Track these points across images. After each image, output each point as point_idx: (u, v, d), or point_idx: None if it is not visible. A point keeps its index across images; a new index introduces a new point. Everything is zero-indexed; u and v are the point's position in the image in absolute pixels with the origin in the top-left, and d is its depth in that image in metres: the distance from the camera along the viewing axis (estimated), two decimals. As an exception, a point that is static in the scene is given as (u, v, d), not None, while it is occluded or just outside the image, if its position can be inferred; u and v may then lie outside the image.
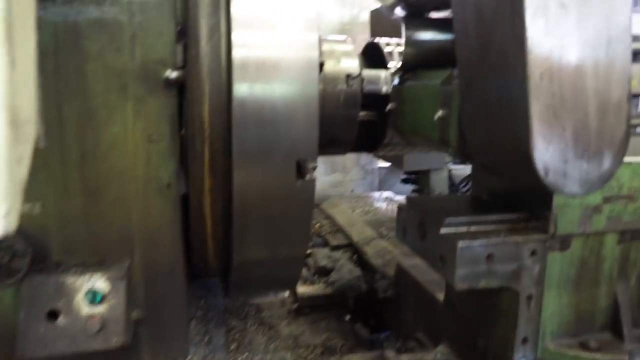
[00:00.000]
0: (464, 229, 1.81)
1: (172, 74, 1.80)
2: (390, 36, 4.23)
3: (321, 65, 2.55)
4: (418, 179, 4.77)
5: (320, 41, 2.59)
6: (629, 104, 1.46)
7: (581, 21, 1.37)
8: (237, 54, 1.74)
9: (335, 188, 5.38)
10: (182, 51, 1.80)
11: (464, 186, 4.69)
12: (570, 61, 1.39)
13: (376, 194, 4.65)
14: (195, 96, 1.84)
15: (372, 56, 3.02)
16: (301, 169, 1.90)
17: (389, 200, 4.44)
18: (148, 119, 1.80)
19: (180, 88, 1.82)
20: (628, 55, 1.42)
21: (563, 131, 1.42)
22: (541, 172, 1.43)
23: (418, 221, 1.99)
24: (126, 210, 1.86)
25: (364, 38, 5.20)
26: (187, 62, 1.81)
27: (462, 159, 1.97)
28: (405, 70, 2.27)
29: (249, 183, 1.87)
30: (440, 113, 1.83)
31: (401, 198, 4.48)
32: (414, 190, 4.81)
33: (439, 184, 4.54)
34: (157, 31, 1.77)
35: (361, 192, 5.18)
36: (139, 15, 1.75)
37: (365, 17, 5.03)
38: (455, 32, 1.66)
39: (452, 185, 4.63)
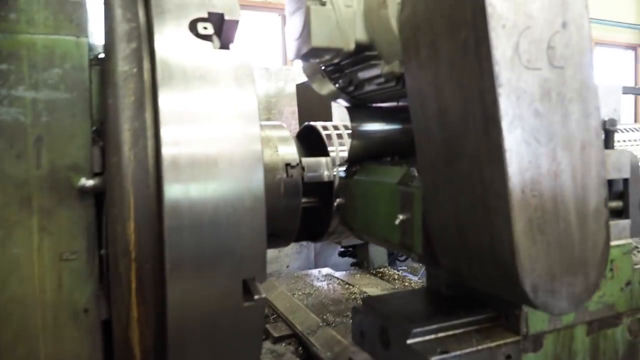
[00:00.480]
0: (432, 336, 1.62)
1: (88, 182, 1.50)
2: (320, 112, 4.14)
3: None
4: (356, 251, 4.58)
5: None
6: (607, 209, 1.36)
7: (555, 128, 1.26)
8: (167, 153, 1.46)
9: (270, 265, 5.05)
10: (99, 155, 1.53)
11: (401, 255, 4.57)
12: (549, 170, 1.26)
13: (315, 272, 4.38)
14: (117, 211, 1.52)
15: (309, 139, 2.86)
16: (249, 288, 1.61)
17: (329, 278, 4.19)
18: (58, 235, 1.50)
19: (98, 196, 1.53)
20: (602, 158, 1.33)
21: (548, 246, 1.27)
22: (530, 294, 1.26)
23: (379, 327, 1.76)
24: (32, 346, 1.49)
25: (291, 111, 5.13)
26: (107, 171, 1.52)
27: (429, 266, 1.79)
28: (352, 162, 2.10)
29: (186, 308, 1.55)
30: (401, 217, 1.65)
31: (342, 275, 4.25)
32: (352, 264, 4.60)
33: (377, 256, 4.38)
34: (68, 133, 1.51)
35: (298, 269, 4.89)
36: (45, 116, 1.49)
37: (292, 89, 4.94)
38: (415, 131, 1.51)
39: (391, 255, 4.49)
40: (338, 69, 1.81)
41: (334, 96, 2.00)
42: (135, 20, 1.68)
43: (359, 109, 2.01)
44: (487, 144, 1.24)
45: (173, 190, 1.48)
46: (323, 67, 1.87)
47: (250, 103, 1.62)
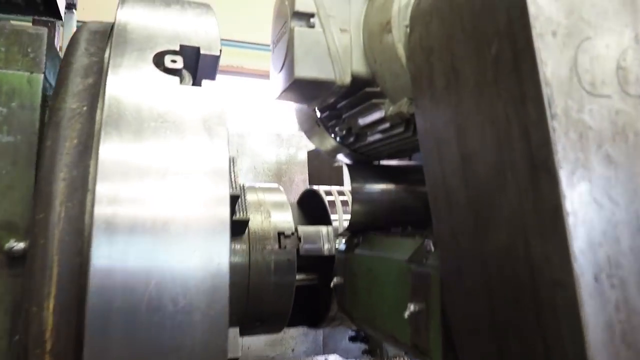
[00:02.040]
0: None
1: (18, 245, 1.18)
2: (330, 178, 3.79)
3: (245, 222, 1.93)
4: (368, 336, 4.00)
5: (244, 190, 2.01)
6: None
7: (638, 182, 0.84)
8: (101, 213, 1.06)
9: (274, 347, 4.49)
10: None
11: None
12: (634, 245, 0.82)
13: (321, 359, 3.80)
14: (35, 285, 1.13)
15: (311, 206, 2.46)
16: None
17: (336, 367, 3.61)
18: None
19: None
20: None
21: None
22: None
23: None
24: None
25: (302, 179, 4.79)
26: (31, 231, 1.16)
27: None
28: (353, 231, 1.68)
29: None
30: (411, 308, 1.20)
31: (351, 364, 3.67)
32: (364, 351, 4.01)
33: (393, 343, 3.79)
34: (4, 184, 1.26)
35: (304, 354, 4.31)
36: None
37: (303, 156, 4.63)
38: (430, 188, 1.09)
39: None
40: (334, 113, 1.43)
41: (335, 151, 1.62)
42: (99, 55, 1.39)
43: (362, 167, 1.61)
44: (536, 205, 0.82)
45: (103, 261, 1.06)
46: (319, 115, 1.50)
47: (219, 156, 1.24)
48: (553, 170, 0.79)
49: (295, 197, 4.35)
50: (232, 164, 1.79)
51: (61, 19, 2.36)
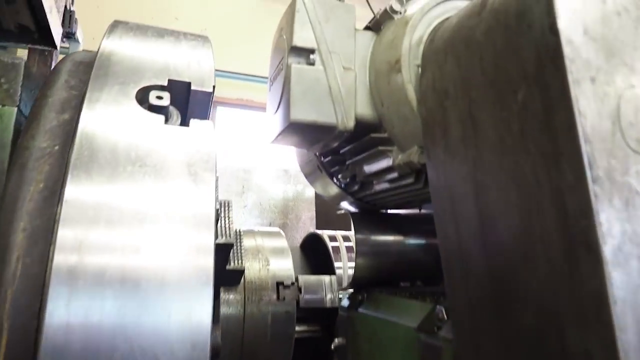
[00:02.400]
0: None
1: None
2: (339, 217, 3.64)
3: (240, 272, 1.79)
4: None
5: (241, 236, 1.87)
6: None
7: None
8: (61, 264, 0.92)
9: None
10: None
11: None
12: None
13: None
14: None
15: (314, 251, 2.31)
16: None
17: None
18: None
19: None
20: None
21: None
22: None
23: None
24: None
25: (310, 216, 4.65)
26: None
27: None
28: (357, 287, 1.52)
29: None
30: (420, 385, 1.03)
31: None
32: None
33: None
34: None
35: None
36: None
37: (311, 193, 4.50)
38: (443, 252, 0.95)
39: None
40: (337, 158, 1.30)
41: (338, 198, 1.48)
42: (80, 88, 1.28)
43: (367, 216, 1.47)
44: (573, 287, 0.67)
45: (59, 319, 0.92)
46: (321, 158, 1.37)
47: (203, 203, 1.10)
48: (595, 246, 0.64)
49: (301, 234, 4.19)
50: (226, 209, 1.66)
51: (56, 48, 2.29)
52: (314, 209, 4.31)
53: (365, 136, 1.11)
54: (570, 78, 0.66)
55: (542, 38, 0.70)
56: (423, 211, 1.53)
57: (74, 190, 0.98)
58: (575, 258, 0.67)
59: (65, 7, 2.62)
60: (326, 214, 3.85)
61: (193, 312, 1.03)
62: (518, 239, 0.76)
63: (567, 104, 0.66)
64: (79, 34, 3.46)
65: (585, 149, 0.65)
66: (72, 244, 0.94)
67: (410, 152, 1.00)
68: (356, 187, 1.30)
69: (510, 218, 0.77)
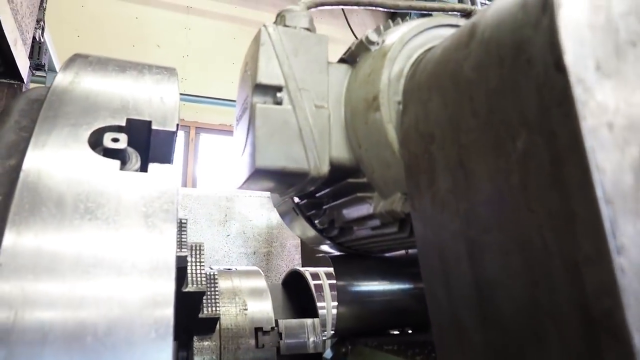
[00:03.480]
0: None
1: None
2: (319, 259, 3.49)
3: (214, 320, 1.62)
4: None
5: (215, 279, 1.71)
6: None
7: None
8: None
9: None
10: None
11: None
12: None
13: None
14: None
15: (296, 288, 2.15)
16: None
17: None
18: None
19: None
20: None
21: None
22: None
23: None
24: None
25: (295, 244, 4.49)
26: None
27: None
28: (341, 337, 1.37)
29: None
30: None
31: None
32: None
33: None
34: None
35: None
36: None
37: (296, 219, 4.34)
38: (433, 317, 0.80)
39: None
40: (313, 202, 1.16)
41: (317, 241, 1.34)
42: (30, 130, 1.13)
43: (348, 260, 1.32)
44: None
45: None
46: (296, 201, 1.23)
47: (161, 252, 0.96)
48: (623, 334, 0.50)
49: (286, 263, 4.01)
50: (197, 253, 1.51)
51: (23, 82, 2.14)
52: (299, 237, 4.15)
53: (342, 181, 0.96)
54: (584, 125, 0.53)
55: (545, 76, 0.57)
56: (410, 251, 1.39)
57: (10, 248, 0.84)
58: (597, 345, 0.53)
59: (34, 38, 2.48)
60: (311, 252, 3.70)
61: None
62: (523, 314, 0.62)
63: (580, 156, 0.53)
64: (56, 64, 3.32)
65: (605, 211, 0.52)
66: (8, 298, 0.79)
67: (392, 199, 0.86)
68: (335, 232, 1.15)
69: (512, 288, 0.63)
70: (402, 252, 1.40)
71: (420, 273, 1.29)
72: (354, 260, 1.32)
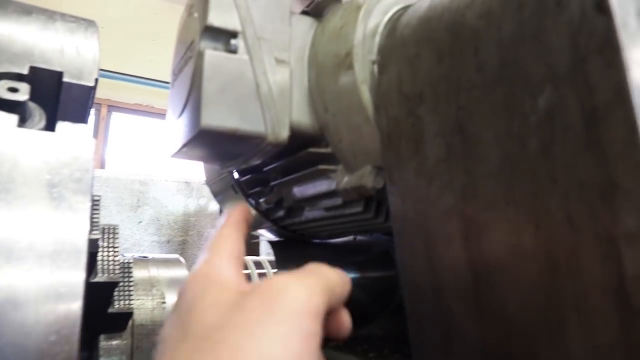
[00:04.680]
0: None
1: None
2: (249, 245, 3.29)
3: (127, 315, 1.40)
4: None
5: (128, 268, 1.48)
6: None
7: None
8: None
9: None
10: None
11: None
12: None
13: None
14: None
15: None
16: None
17: None
18: None
19: None
20: None
21: None
22: None
23: None
24: None
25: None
26: None
27: None
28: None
29: None
30: None
31: None
32: None
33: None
34: None
35: None
36: None
37: (215, 207, 4.10)
38: (410, 313, 0.69)
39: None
40: (257, 178, 1.00)
41: (255, 224, 1.17)
42: None
43: (291, 247, 1.18)
44: (636, 384, 0.44)
45: None
46: (236, 177, 1.06)
47: (68, 231, 0.76)
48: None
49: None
50: (111, 237, 1.28)
51: None
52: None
53: (299, 151, 0.82)
54: (631, 76, 0.44)
55: (581, 20, 0.47)
56: (359, 238, 1.28)
57: None
58: (635, 339, 0.44)
59: None
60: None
61: None
62: (535, 304, 0.52)
63: (625, 114, 0.44)
64: None
65: (657, 184, 0.42)
66: None
67: (361, 173, 0.73)
68: (281, 213, 1.00)
69: (522, 273, 0.53)
70: (350, 238, 1.29)
71: (370, 261, 1.17)
72: (297, 246, 1.18)
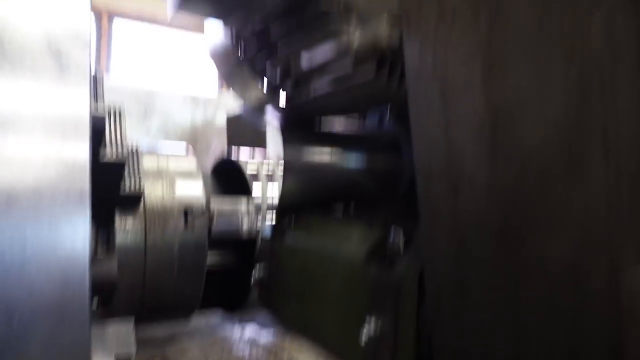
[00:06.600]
0: None
1: None
2: (252, 145, 3.26)
3: (137, 197, 1.40)
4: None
5: (137, 154, 1.46)
6: None
7: None
8: None
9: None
10: None
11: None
12: None
13: (236, 333, 3.35)
14: None
15: (228, 179, 1.96)
16: None
17: (251, 343, 3.17)
18: None
19: None
20: None
21: None
22: None
23: None
24: None
25: (220, 144, 4.19)
26: None
27: None
28: (283, 212, 1.22)
29: None
30: (371, 329, 0.78)
31: (269, 335, 3.26)
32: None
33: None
34: None
35: (219, 325, 3.83)
36: None
37: (222, 120, 4.04)
38: (418, 163, 0.66)
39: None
40: (263, 44, 0.94)
41: (262, 104, 1.13)
42: None
43: (297, 131, 1.14)
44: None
45: None
46: (242, 47, 1.00)
47: (73, 98, 0.72)
48: None
49: (211, 163, 3.77)
50: (117, 117, 1.24)
51: None
52: (225, 135, 3.87)
53: (307, 5, 0.75)
54: None
55: None
56: (362, 129, 1.24)
57: None
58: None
59: None
60: (239, 144, 3.44)
61: (61, 240, 0.68)
62: (560, 137, 0.49)
63: None
64: None
65: None
66: None
67: (377, 23, 0.67)
68: (289, 87, 0.96)
69: (548, 107, 0.49)
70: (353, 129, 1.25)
71: (373, 148, 1.15)
72: (304, 131, 1.14)
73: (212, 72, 4.40)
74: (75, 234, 0.67)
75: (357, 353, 0.84)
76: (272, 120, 1.22)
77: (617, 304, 0.46)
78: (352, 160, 1.18)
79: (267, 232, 1.28)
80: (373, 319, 0.80)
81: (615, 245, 0.45)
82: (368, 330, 0.80)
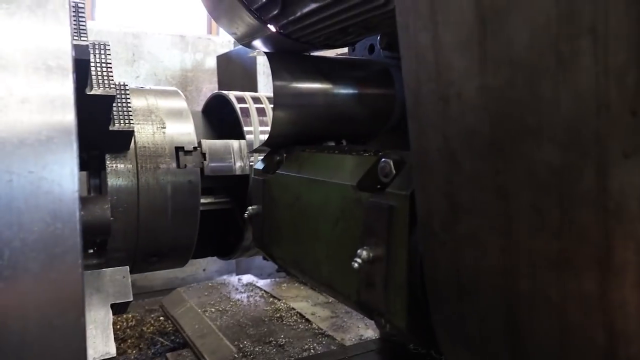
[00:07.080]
0: None
1: None
2: (243, 87, 3.19)
3: (128, 134, 1.38)
4: (283, 253, 3.70)
5: (126, 91, 1.42)
6: None
7: None
8: None
9: (184, 268, 4.07)
10: None
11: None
12: None
13: (234, 280, 3.43)
14: None
15: (220, 117, 1.93)
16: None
17: (250, 288, 3.26)
18: None
19: None
20: None
21: None
22: None
23: None
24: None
25: (211, 88, 4.10)
26: None
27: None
28: (274, 146, 1.20)
29: None
30: (363, 255, 0.78)
31: (265, 284, 3.36)
32: (279, 269, 3.71)
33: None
34: None
35: (217, 273, 3.94)
36: None
37: (212, 63, 3.94)
38: (407, 75, 0.64)
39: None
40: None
41: (251, 32, 1.09)
42: None
43: (288, 58, 1.11)
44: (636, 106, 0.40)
45: None
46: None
47: (53, 31, 0.69)
48: None
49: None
50: (102, 52, 1.20)
51: None
52: (216, 80, 3.79)
53: None
54: None
55: None
56: (355, 56, 1.20)
57: None
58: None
59: None
60: (230, 85, 3.38)
61: (48, 176, 0.68)
62: (547, 37, 0.47)
63: None
64: None
65: None
66: None
67: None
68: (276, 11, 0.92)
69: (534, 8, 0.47)
70: (345, 54, 1.22)
71: (369, 78, 1.11)
72: (294, 57, 1.11)
73: (200, 9, 4.24)
74: (62, 170, 0.66)
75: (351, 282, 0.86)
76: (260, 48, 1.18)
77: (606, 204, 0.45)
78: (343, 88, 1.15)
79: (259, 167, 1.27)
80: (365, 246, 0.81)
81: (604, 142, 0.44)
82: (360, 256, 0.81)
